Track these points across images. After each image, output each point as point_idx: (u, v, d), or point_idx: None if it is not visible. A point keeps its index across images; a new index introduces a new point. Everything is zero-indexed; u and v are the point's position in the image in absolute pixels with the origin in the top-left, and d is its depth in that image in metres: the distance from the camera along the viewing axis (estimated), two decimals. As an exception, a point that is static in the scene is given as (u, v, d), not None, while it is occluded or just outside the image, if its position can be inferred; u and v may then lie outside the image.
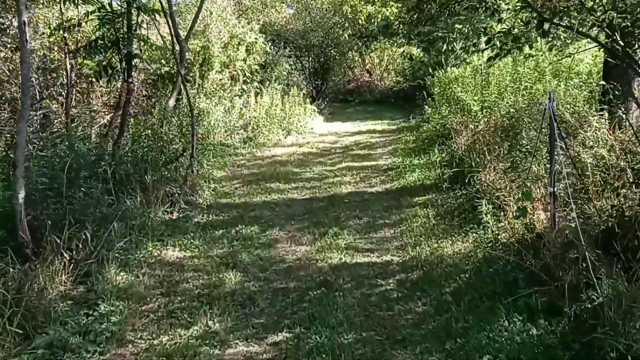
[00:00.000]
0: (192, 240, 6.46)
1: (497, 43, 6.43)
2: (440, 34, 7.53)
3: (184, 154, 8.62)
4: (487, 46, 6.70)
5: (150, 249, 6.12)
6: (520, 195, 5.69)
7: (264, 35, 15.19)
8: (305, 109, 14.70)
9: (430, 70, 14.67)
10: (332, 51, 18.40)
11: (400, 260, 5.70)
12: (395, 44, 22.96)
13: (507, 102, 9.46)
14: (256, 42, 14.56)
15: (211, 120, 12.26)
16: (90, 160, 7.53)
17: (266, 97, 13.80)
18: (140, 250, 6.01)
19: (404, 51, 20.11)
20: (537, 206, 5.74)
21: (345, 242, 6.27)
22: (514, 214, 5.66)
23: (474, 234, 6.06)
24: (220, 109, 12.85)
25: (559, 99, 8.64)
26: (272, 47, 15.52)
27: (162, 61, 12.88)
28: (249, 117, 13.21)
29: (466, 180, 7.48)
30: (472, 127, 9.11)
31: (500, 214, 6.07)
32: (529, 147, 5.86)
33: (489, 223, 5.98)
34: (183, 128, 11.04)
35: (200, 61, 13.36)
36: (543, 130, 5.68)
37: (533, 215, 5.55)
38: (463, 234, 6.14)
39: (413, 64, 19.32)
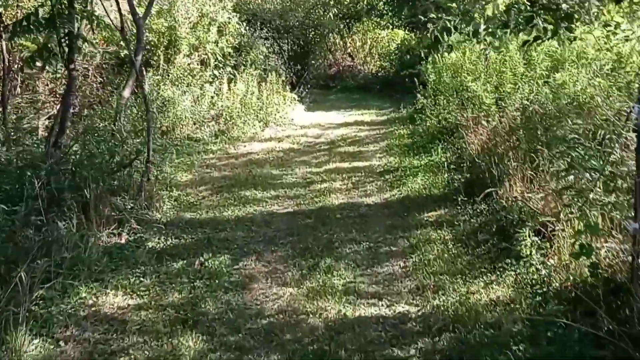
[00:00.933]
0: (141, 278, 4.89)
1: (540, 23, 4.94)
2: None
3: (138, 157, 6.99)
4: (522, 28, 5.25)
5: (84, 294, 4.55)
6: (579, 226, 4.23)
7: (238, 15, 13.49)
8: (285, 97, 13.08)
9: (422, 55, 13.16)
10: (313, 33, 16.72)
11: (420, 313, 4.21)
12: (380, 27, 21.45)
13: (522, 94, 8.02)
14: (229, 22, 12.87)
15: (177, 111, 10.62)
16: (15, 169, 5.93)
17: (241, 84, 12.15)
18: (69, 299, 4.44)
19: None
20: (596, 239, 4.29)
21: (343, 281, 4.77)
22: (572, 252, 4.19)
23: (512, 272, 4.60)
24: (188, 97, 11.20)
25: (582, 90, 7.24)
26: (247, 27, 13.81)
27: (122, 43, 11.15)
28: (221, 106, 11.57)
29: (487, 193, 6.03)
30: (485, 124, 7.65)
31: (546, 245, 4.62)
32: (586, 157, 4.39)
33: (532, 259, 4.51)
34: (144, 123, 9.46)
35: (165, 43, 11.66)
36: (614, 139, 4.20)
37: (598, 254, 4.10)
38: (498, 272, 4.67)
39: (401, 47, 17.79)
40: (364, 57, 22.00)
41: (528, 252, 4.56)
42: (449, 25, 4.79)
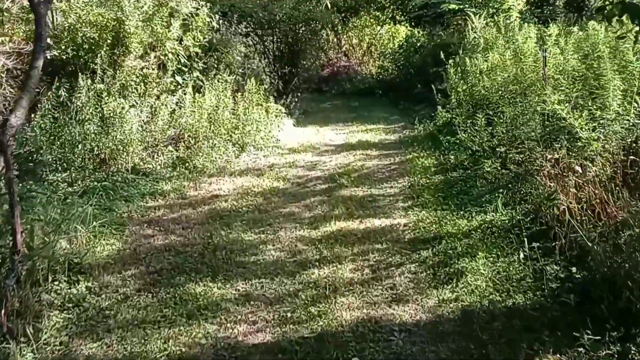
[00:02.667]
0: None
1: None
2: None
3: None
4: None
5: None
6: None
7: (209, 5, 10.42)
8: (268, 109, 10.04)
9: (442, 56, 10.23)
10: (303, 28, 13.63)
11: None
12: (379, 22, 18.52)
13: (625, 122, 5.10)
14: (197, 15, 9.84)
15: (123, 132, 7.62)
16: None
17: (210, 94, 9.11)
18: None
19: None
20: None
21: None
22: None
23: None
24: (139, 112, 8.21)
25: None
26: (221, 21, 10.77)
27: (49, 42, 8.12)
28: (184, 124, 8.55)
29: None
30: (579, 169, 4.71)
31: None
32: None
33: None
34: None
35: (109, 41, 8.60)
36: None
37: None
38: None
39: (407, 45, 14.77)
40: (361, 57, 19.05)
41: None
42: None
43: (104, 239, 5.30)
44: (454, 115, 8.82)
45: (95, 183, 6.93)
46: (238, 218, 5.93)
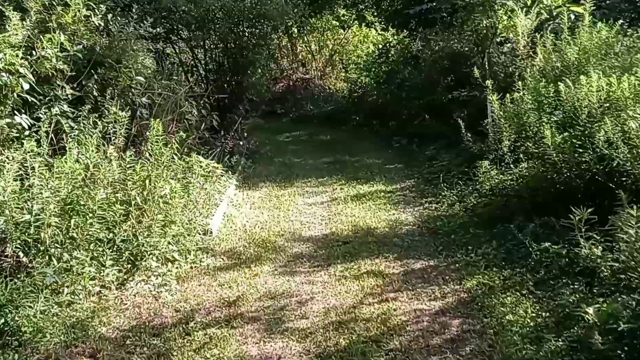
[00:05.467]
0: None
1: None
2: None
3: None
4: None
5: None
6: None
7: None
8: (192, 168, 5.66)
9: (476, 74, 6.16)
10: (250, 31, 9.14)
11: None
12: (344, 23, 14.42)
13: None
14: (65, 5, 5.40)
15: None
16: None
17: (75, 149, 4.70)
18: None
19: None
20: None
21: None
22: None
23: None
24: None
25: None
26: (111, 16, 6.27)
27: None
28: (10, 219, 4.09)
29: None
30: None
31: None
32: None
33: None
34: None
35: None
36: None
37: None
38: None
39: (393, 54, 10.62)
40: (322, 67, 14.84)
41: None
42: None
43: None
44: (522, 183, 4.82)
45: None
46: None
